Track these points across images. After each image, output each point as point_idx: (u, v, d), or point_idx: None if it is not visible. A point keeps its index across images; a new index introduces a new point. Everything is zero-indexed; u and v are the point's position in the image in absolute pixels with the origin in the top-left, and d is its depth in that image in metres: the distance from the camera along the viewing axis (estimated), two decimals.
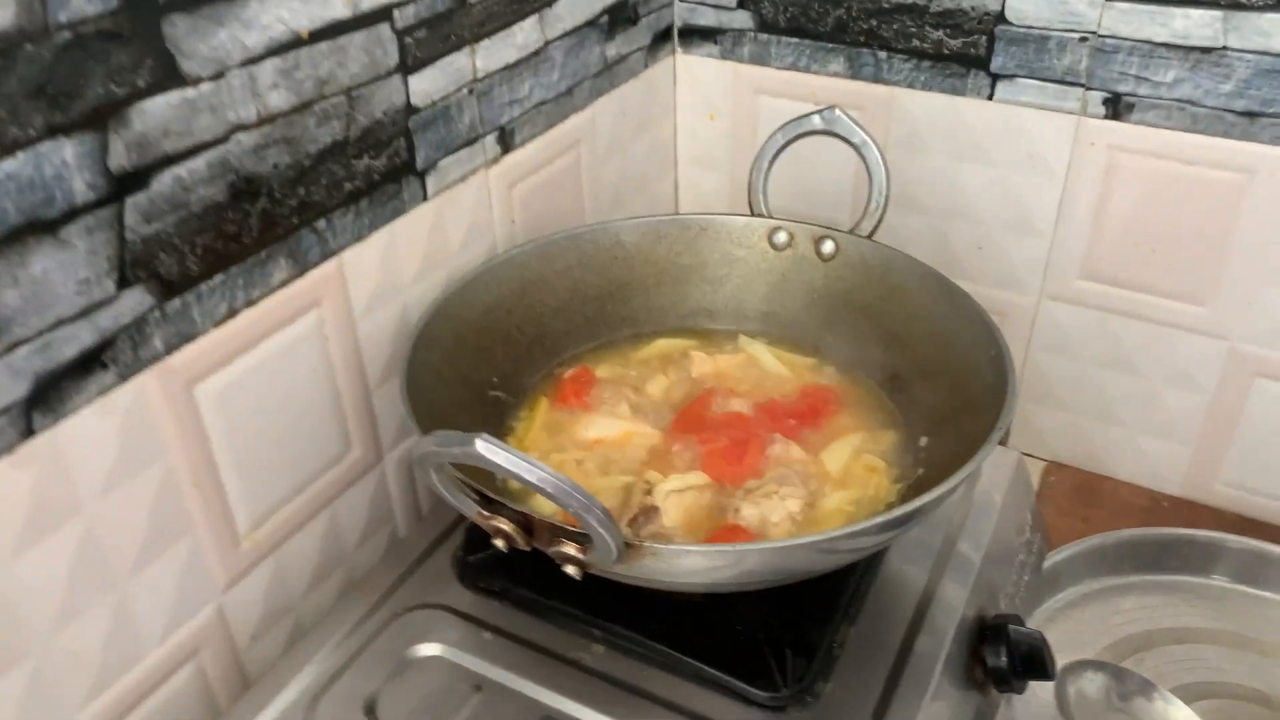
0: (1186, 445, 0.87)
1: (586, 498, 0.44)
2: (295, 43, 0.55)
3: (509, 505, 0.49)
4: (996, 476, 0.75)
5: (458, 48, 0.67)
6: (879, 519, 0.50)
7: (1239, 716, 0.71)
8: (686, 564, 0.50)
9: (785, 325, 0.78)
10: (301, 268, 0.60)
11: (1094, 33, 0.75)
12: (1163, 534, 0.81)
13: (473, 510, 0.50)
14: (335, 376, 0.64)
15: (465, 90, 0.68)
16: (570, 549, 0.48)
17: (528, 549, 0.50)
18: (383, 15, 0.60)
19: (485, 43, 0.69)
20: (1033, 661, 0.62)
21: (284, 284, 0.59)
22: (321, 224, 0.60)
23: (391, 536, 0.74)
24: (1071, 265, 0.84)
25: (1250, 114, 0.72)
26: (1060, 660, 0.72)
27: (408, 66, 0.63)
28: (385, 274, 0.66)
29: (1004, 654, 0.62)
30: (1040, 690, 0.68)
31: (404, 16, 0.62)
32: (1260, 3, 0.69)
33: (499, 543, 0.50)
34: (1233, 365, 0.81)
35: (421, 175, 0.67)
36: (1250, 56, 0.71)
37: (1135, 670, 0.73)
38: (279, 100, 0.55)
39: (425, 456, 0.45)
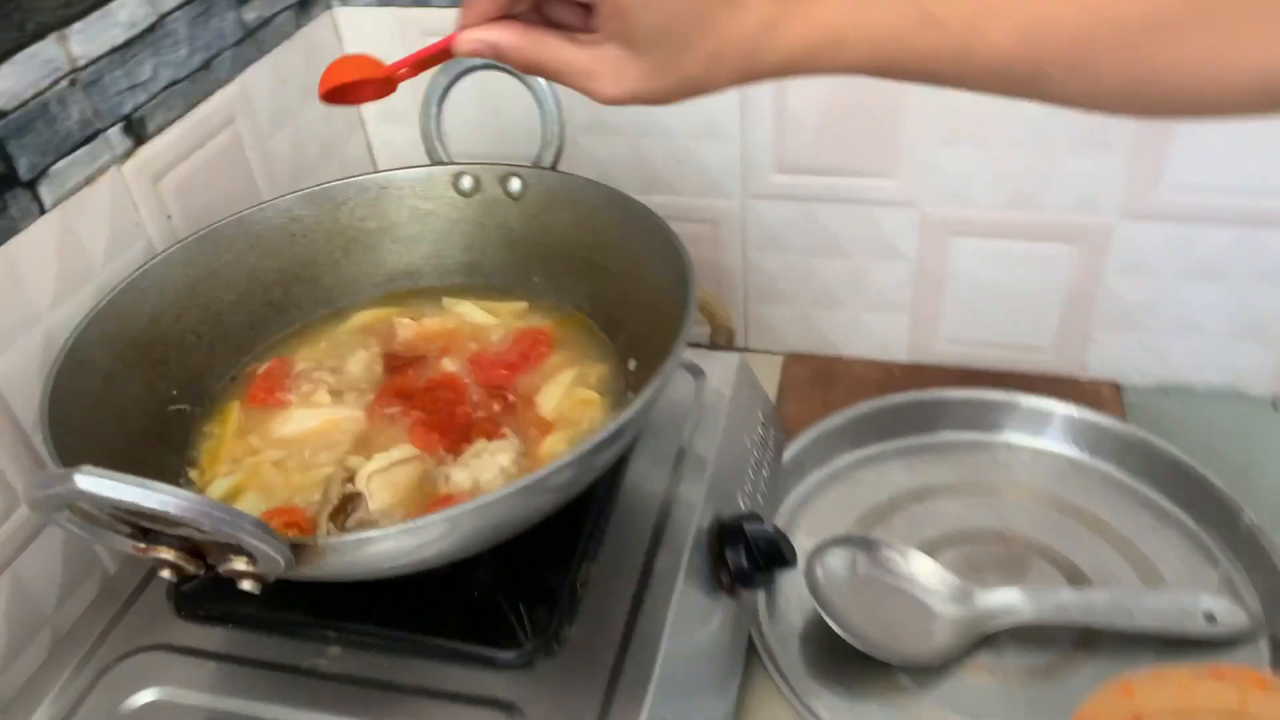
0: (904, 313, 0.90)
1: (227, 513, 0.40)
2: None
3: (165, 531, 0.44)
4: (724, 381, 0.75)
5: (39, 35, 0.59)
6: (564, 459, 0.48)
7: (981, 558, 0.75)
8: (376, 551, 0.47)
9: (490, 273, 0.75)
10: None
11: None
12: (890, 401, 0.84)
13: (128, 546, 0.45)
14: None
15: (65, 82, 0.61)
16: (241, 564, 0.44)
17: (202, 572, 0.46)
18: None
19: (78, 25, 0.61)
20: (772, 554, 0.63)
21: None
22: None
23: (103, 578, 0.68)
24: (765, 162, 0.85)
25: None
26: (812, 543, 0.74)
27: None
28: (9, 304, 0.58)
29: (743, 553, 0.63)
30: (795, 580, 0.70)
31: None
32: None
33: (166, 574, 0.46)
34: (928, 229, 0.85)
35: (31, 186, 0.59)
36: None
37: (880, 536, 0.77)
38: None
39: (34, 504, 0.40)
